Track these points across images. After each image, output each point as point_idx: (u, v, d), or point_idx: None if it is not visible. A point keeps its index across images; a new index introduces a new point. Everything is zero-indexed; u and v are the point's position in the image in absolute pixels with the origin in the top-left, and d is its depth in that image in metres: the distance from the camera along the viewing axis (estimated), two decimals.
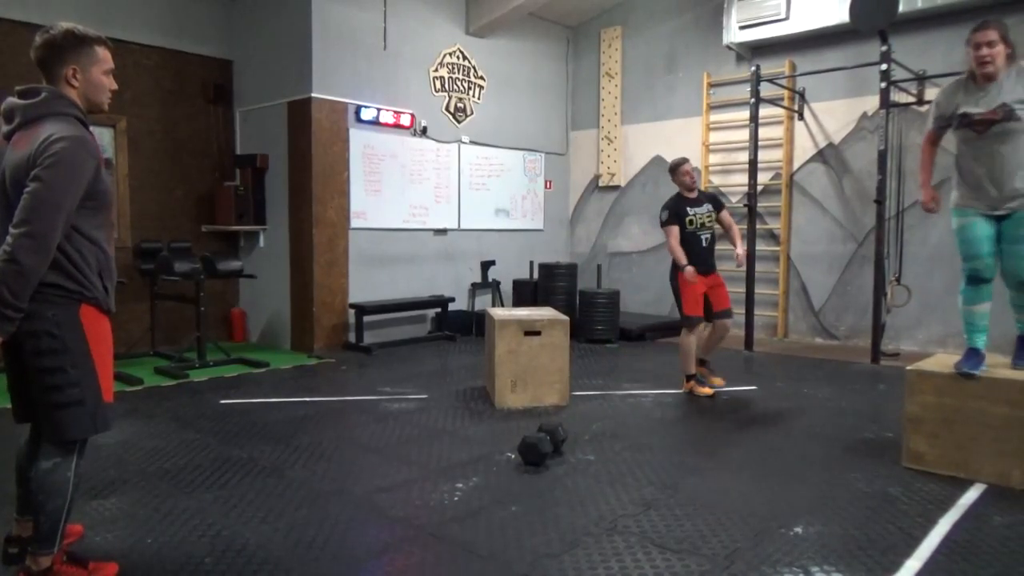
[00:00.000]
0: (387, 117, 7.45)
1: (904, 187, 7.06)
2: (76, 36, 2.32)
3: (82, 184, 2.22)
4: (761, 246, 7.76)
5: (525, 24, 8.88)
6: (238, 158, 7.50)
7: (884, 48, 6.35)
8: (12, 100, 2.32)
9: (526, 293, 8.35)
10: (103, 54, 2.37)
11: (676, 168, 5.41)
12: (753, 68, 7.32)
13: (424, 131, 7.89)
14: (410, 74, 7.74)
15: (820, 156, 7.70)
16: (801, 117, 7.77)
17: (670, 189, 8.78)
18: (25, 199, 2.13)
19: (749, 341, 7.30)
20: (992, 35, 3.30)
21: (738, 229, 5.55)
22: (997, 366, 3.59)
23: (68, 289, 2.26)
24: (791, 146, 7.87)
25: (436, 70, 8.01)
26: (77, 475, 2.36)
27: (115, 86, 2.45)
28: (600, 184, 9.50)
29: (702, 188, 6.54)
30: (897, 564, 2.62)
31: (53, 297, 2.23)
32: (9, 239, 2.11)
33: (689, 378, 5.32)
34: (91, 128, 2.37)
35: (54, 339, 2.23)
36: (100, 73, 2.36)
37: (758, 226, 7.57)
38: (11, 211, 2.18)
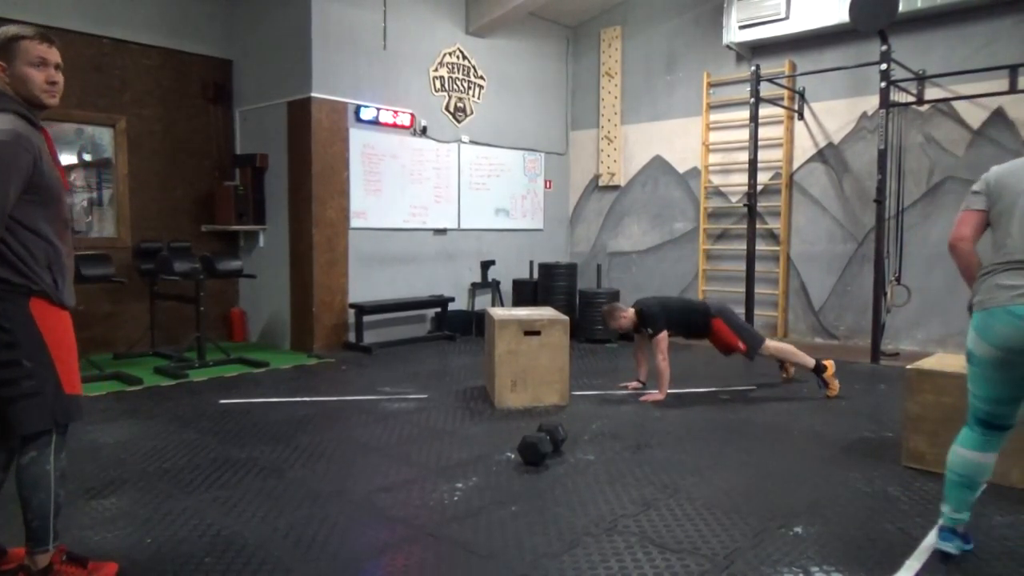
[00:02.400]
0: (387, 117, 7.45)
1: (904, 187, 7.06)
2: (6, 35, 2.35)
3: (18, 178, 2.22)
4: (761, 246, 7.76)
5: (525, 24, 8.88)
6: (238, 158, 7.50)
7: (884, 48, 6.35)
8: None
9: (526, 293, 8.35)
10: (27, 45, 2.36)
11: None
12: (753, 68, 7.32)
13: (424, 131, 7.89)
14: (410, 74, 7.74)
15: (820, 156, 7.70)
16: (801, 117, 7.77)
17: (670, 190, 8.86)
18: None
19: None
20: None
21: (659, 367, 5.17)
22: None
23: (13, 283, 2.26)
24: (791, 146, 7.87)
25: (436, 70, 8.01)
26: (59, 468, 2.37)
27: (54, 78, 2.40)
28: (600, 184, 9.50)
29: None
30: (897, 564, 2.62)
31: (1, 292, 2.24)
32: None
33: (820, 369, 5.28)
34: (43, 124, 2.37)
35: (5, 332, 2.24)
36: (24, 65, 2.35)
37: (758, 226, 7.57)
38: None
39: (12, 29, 2.37)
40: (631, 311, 5.37)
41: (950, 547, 2.60)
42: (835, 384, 5.25)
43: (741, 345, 5.36)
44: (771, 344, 5.46)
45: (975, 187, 2.66)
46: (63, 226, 2.43)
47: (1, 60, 2.34)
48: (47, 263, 2.34)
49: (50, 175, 2.35)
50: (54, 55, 2.42)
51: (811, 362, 5.30)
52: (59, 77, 2.43)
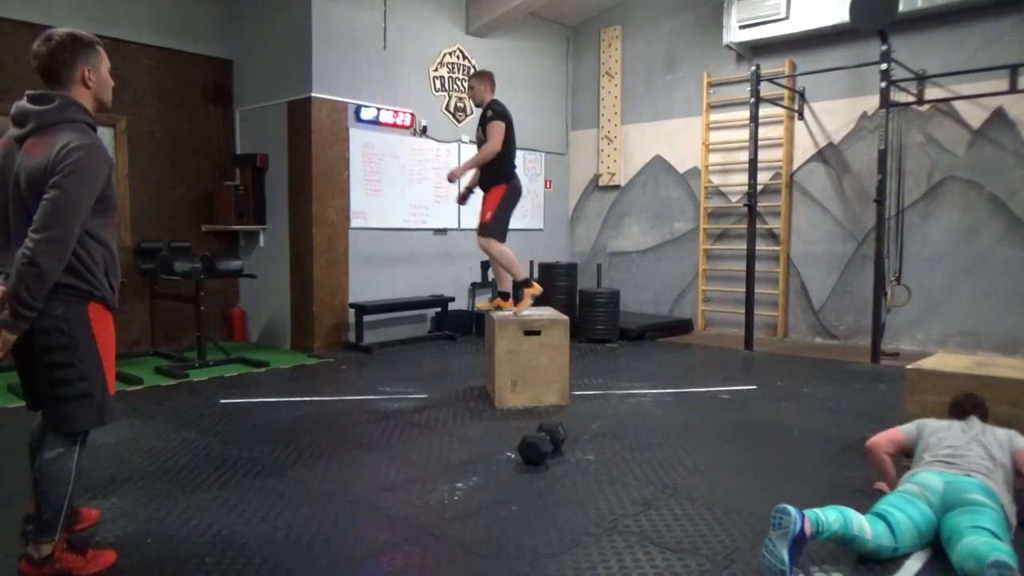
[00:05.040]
0: (387, 117, 7.45)
1: (904, 187, 7.06)
2: (84, 39, 2.40)
3: (97, 190, 2.30)
4: (761, 246, 7.76)
5: (525, 24, 8.88)
6: (238, 158, 7.50)
7: (884, 48, 6.35)
8: (24, 105, 2.37)
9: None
10: (101, 51, 2.47)
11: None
12: (753, 68, 7.32)
13: (424, 131, 7.89)
14: (410, 74, 7.74)
15: (820, 156, 7.70)
16: (801, 117, 7.78)
17: (670, 189, 8.86)
18: (45, 205, 2.21)
19: (749, 341, 7.30)
20: None
21: (480, 153, 5.12)
22: (998, 365, 3.58)
23: (79, 288, 2.34)
24: (791, 146, 7.87)
25: (436, 70, 8.01)
26: (79, 465, 2.44)
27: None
28: (600, 184, 9.50)
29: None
30: (897, 564, 2.62)
31: (64, 296, 2.31)
32: (29, 243, 2.19)
33: (522, 284, 5.17)
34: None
35: (64, 335, 2.31)
36: (106, 71, 2.46)
37: (758, 226, 7.57)
38: (26, 214, 2.26)
39: (84, 33, 2.43)
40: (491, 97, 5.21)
41: (790, 509, 2.41)
42: (525, 302, 5.15)
43: (487, 217, 5.16)
44: (502, 249, 5.18)
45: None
46: (115, 231, 2.51)
47: (87, 64, 2.39)
48: (105, 268, 2.42)
49: (114, 184, 2.44)
50: None
51: (521, 275, 5.20)
52: None
